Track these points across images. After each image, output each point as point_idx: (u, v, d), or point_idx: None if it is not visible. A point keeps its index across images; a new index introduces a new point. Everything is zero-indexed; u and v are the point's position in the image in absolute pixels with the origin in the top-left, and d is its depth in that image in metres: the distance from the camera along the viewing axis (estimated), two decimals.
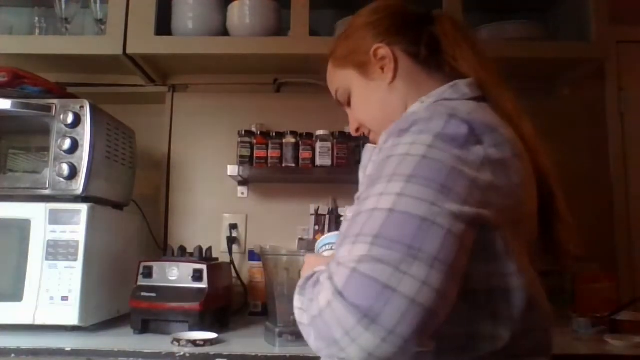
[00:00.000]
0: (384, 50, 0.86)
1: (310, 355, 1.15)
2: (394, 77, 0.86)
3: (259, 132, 1.76)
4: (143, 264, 1.39)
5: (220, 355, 1.15)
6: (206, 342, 1.20)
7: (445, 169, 0.62)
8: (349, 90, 0.93)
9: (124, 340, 1.25)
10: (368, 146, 0.87)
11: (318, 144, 1.72)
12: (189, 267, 1.36)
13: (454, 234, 0.58)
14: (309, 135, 1.74)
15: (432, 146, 0.64)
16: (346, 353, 0.54)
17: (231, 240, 1.80)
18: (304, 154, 1.70)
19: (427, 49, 0.86)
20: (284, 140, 1.73)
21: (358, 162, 1.80)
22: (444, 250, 0.57)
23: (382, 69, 0.87)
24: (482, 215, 0.62)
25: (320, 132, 1.73)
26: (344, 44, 0.93)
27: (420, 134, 0.65)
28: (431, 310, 0.54)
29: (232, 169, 1.68)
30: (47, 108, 1.37)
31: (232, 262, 1.73)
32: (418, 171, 0.61)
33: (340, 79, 0.95)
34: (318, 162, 1.70)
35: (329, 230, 1.74)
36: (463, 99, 0.78)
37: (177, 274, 1.36)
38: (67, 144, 1.35)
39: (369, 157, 0.81)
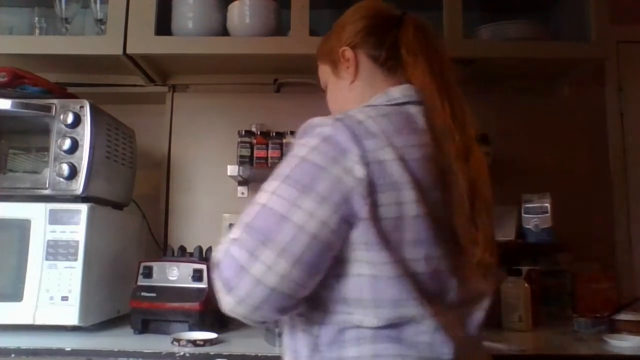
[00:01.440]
0: (348, 53, 0.94)
1: None
2: (355, 78, 0.94)
3: (259, 132, 1.76)
4: (143, 264, 1.39)
5: (220, 355, 1.15)
6: (206, 342, 1.20)
7: (315, 171, 0.73)
8: (327, 84, 1.02)
9: (124, 340, 1.25)
10: None
11: None
12: (189, 267, 1.36)
13: (305, 230, 0.71)
14: None
15: (315, 149, 0.75)
16: (221, 305, 0.74)
17: None
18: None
19: (386, 53, 0.91)
20: (284, 140, 1.73)
21: None
22: (294, 243, 0.71)
23: (348, 69, 0.95)
24: (344, 212, 0.72)
25: None
26: (325, 42, 1.03)
27: (312, 136, 0.77)
28: (275, 290, 0.71)
29: (232, 169, 1.68)
30: (47, 108, 1.37)
31: None
32: (292, 172, 0.75)
33: (322, 73, 1.04)
34: None
35: None
36: (388, 104, 0.84)
37: (177, 274, 1.36)
38: (67, 144, 1.35)
39: None
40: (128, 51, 1.63)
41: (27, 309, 1.27)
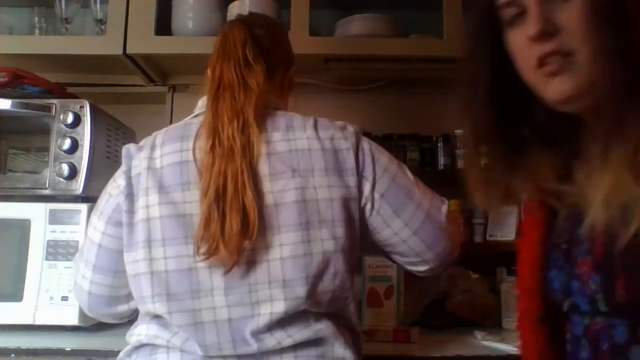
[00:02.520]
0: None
1: None
2: None
3: None
4: None
5: None
6: None
7: (103, 193, 0.94)
8: None
9: (124, 340, 1.23)
10: None
11: None
12: None
13: (94, 242, 0.91)
14: None
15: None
16: None
17: None
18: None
19: None
20: None
21: None
22: (90, 254, 0.91)
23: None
24: (115, 221, 0.89)
25: None
26: None
27: None
28: (91, 293, 0.94)
29: None
30: (47, 108, 1.37)
31: None
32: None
33: None
34: None
35: None
36: (191, 117, 0.94)
37: None
38: (67, 144, 1.35)
39: None
40: (128, 51, 1.62)
41: (27, 309, 1.27)
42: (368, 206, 0.90)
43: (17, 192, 1.37)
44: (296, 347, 0.82)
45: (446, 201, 0.97)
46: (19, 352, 1.14)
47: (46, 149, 1.38)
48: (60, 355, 1.15)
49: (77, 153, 1.36)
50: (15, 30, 1.89)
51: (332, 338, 0.84)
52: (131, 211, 0.86)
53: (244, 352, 0.81)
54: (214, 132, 0.84)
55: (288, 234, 0.82)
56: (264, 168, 0.83)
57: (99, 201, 0.94)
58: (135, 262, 0.84)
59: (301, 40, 1.62)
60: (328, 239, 0.83)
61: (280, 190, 0.83)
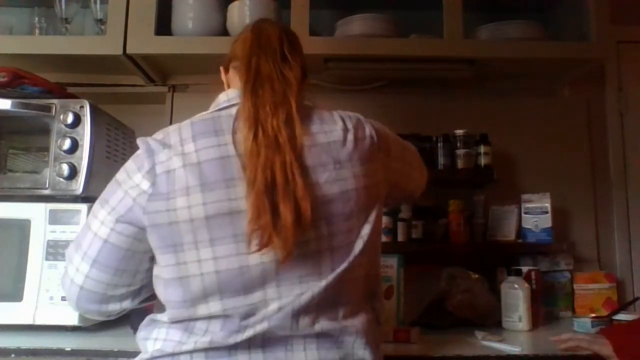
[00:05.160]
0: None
1: None
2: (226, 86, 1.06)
3: None
4: None
5: None
6: None
7: (113, 185, 0.87)
8: None
9: (124, 340, 1.24)
10: None
11: None
12: None
13: (98, 236, 0.85)
14: None
15: (124, 167, 0.87)
16: None
17: None
18: None
19: (228, 62, 1.05)
20: None
21: None
22: (91, 248, 0.86)
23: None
24: (132, 218, 0.83)
25: None
26: None
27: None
28: (83, 288, 0.88)
29: None
30: (47, 108, 1.37)
31: None
32: (104, 191, 0.89)
33: None
34: None
35: None
36: (215, 110, 0.91)
37: None
38: (67, 144, 1.35)
39: None
40: (128, 51, 1.62)
41: (27, 309, 1.27)
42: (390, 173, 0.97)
43: (17, 192, 1.37)
44: (319, 335, 0.83)
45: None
46: (19, 352, 1.14)
47: (46, 149, 1.38)
48: (60, 355, 1.15)
49: (77, 153, 1.36)
50: (15, 30, 1.89)
51: (354, 336, 0.85)
52: (166, 211, 0.80)
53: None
54: (257, 123, 0.82)
55: (337, 225, 0.83)
56: (308, 159, 0.83)
57: (108, 194, 0.87)
58: (179, 264, 0.81)
59: (301, 40, 1.61)
60: (366, 224, 0.87)
61: (325, 181, 0.83)
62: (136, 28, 1.63)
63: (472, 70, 1.72)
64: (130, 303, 0.94)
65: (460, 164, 1.74)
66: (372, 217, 0.88)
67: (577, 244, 1.84)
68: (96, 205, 0.88)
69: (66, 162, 1.35)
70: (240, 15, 1.67)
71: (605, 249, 1.88)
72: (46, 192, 1.35)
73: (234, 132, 0.84)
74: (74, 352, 1.15)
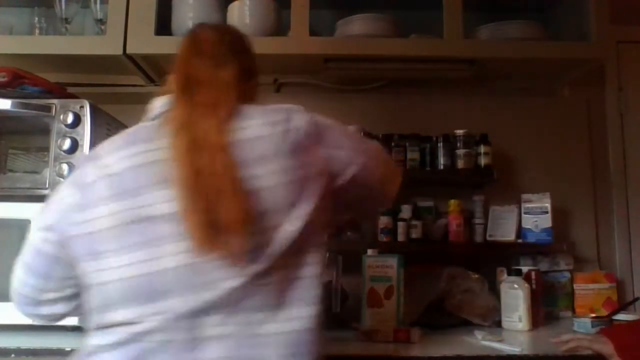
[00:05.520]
0: None
1: None
2: None
3: None
4: None
5: None
6: None
7: (51, 197, 0.91)
8: None
9: None
10: None
11: None
12: None
13: (32, 245, 0.91)
14: None
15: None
16: None
17: None
18: None
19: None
20: None
21: None
22: (26, 255, 0.93)
23: None
24: (58, 228, 0.86)
25: None
26: None
27: None
28: (19, 292, 0.95)
29: None
30: (47, 108, 1.37)
31: None
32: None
33: None
34: None
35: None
36: (150, 119, 0.95)
37: None
38: (67, 144, 1.35)
39: None
40: (128, 51, 1.62)
41: None
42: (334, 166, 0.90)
43: (17, 192, 1.37)
44: (227, 338, 0.80)
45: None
46: (19, 352, 1.14)
47: (46, 149, 1.38)
48: (60, 355, 1.14)
49: (77, 153, 1.36)
50: (15, 30, 1.89)
51: (274, 344, 0.81)
52: (85, 222, 0.83)
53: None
54: (186, 127, 0.83)
55: (260, 224, 0.80)
56: (236, 157, 0.82)
57: (45, 206, 0.91)
58: (97, 271, 0.82)
59: (301, 40, 1.62)
60: (292, 221, 0.82)
61: (251, 177, 0.81)
62: (136, 28, 1.63)
63: (472, 70, 1.72)
64: (64, 307, 0.96)
65: (460, 164, 1.74)
66: (301, 213, 0.82)
67: (577, 244, 1.84)
68: (39, 216, 0.93)
69: (66, 162, 1.35)
70: (240, 15, 1.67)
71: (605, 249, 1.88)
72: (46, 192, 1.35)
73: (164, 138, 0.84)
74: (74, 352, 1.15)
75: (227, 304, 0.79)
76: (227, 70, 0.91)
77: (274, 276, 0.81)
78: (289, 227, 0.82)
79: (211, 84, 0.89)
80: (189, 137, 0.82)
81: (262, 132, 0.85)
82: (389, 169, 1.04)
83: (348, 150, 0.92)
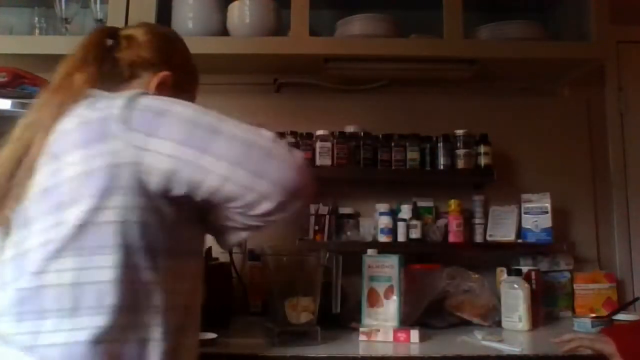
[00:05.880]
0: None
1: (310, 355, 1.15)
2: None
3: None
4: None
5: (220, 355, 1.15)
6: (206, 342, 1.19)
7: None
8: None
9: None
10: None
11: (318, 144, 1.72)
12: None
13: None
14: (309, 136, 1.74)
15: None
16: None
17: None
18: (304, 154, 1.70)
19: None
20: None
21: (358, 162, 1.80)
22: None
23: None
24: None
25: (320, 132, 1.73)
26: None
27: None
28: None
29: None
30: None
31: (232, 262, 1.73)
32: None
33: None
34: (318, 162, 1.70)
35: (329, 230, 1.74)
36: None
37: None
38: None
39: None
40: None
41: None
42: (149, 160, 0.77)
43: None
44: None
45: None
46: None
47: None
48: None
49: None
50: (15, 30, 1.89)
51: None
52: None
53: None
54: (17, 127, 0.90)
55: (35, 224, 0.77)
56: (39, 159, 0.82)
57: None
58: None
59: (301, 40, 1.62)
60: (67, 220, 0.75)
61: (41, 176, 0.79)
62: None
63: (472, 70, 1.72)
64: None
65: (460, 164, 1.74)
66: (83, 210, 0.73)
67: (577, 243, 1.84)
68: None
69: None
70: (240, 15, 1.67)
71: (605, 249, 1.88)
72: None
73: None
74: None
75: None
76: (83, 71, 0.99)
77: (45, 281, 0.76)
78: (60, 228, 0.75)
79: (57, 89, 1.01)
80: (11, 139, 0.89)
81: (67, 126, 0.84)
82: (262, 178, 0.80)
83: (191, 148, 0.79)
